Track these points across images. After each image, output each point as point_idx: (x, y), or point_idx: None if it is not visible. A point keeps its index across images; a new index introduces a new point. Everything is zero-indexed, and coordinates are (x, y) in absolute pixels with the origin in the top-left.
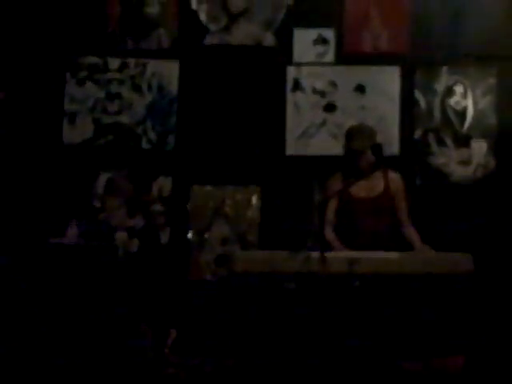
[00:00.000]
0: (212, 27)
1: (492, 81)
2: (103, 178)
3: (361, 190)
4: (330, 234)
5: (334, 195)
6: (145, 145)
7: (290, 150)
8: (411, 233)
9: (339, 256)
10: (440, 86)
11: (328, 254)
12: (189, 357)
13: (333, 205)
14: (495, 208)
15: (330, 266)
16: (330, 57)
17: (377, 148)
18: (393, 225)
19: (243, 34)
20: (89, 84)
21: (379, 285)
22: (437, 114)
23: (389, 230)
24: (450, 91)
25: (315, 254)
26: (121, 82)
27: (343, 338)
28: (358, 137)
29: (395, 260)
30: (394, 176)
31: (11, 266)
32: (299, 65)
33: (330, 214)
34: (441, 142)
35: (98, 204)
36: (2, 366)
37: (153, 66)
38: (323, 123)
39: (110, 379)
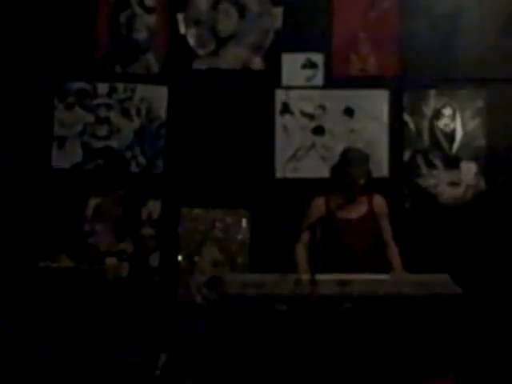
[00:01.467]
0: (200, 52)
1: (480, 103)
2: (92, 203)
3: (346, 211)
4: (301, 252)
5: (317, 220)
6: (134, 169)
7: (279, 173)
8: (393, 254)
9: (329, 278)
10: (429, 109)
11: (319, 276)
12: (179, 380)
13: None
14: (485, 229)
15: (321, 288)
16: (318, 80)
17: (369, 173)
18: (376, 246)
19: (232, 58)
20: (77, 109)
21: (370, 306)
22: (426, 136)
23: (373, 250)
24: (438, 114)
25: (306, 277)
26: (109, 107)
27: (335, 359)
28: (358, 164)
29: (386, 282)
30: (378, 197)
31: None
32: (288, 88)
33: (306, 233)
34: (430, 164)
35: (87, 228)
36: None
37: (141, 90)
38: (312, 146)
39: None
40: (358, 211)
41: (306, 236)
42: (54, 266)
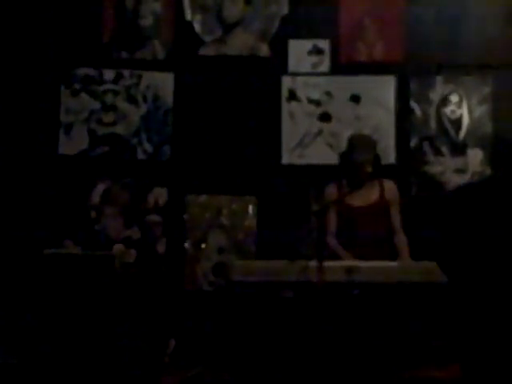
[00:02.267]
0: (207, 38)
1: (487, 90)
2: (100, 189)
3: (356, 198)
4: (333, 242)
5: (332, 204)
6: (140, 155)
7: (286, 160)
8: (401, 242)
9: (337, 265)
10: (435, 96)
11: (326, 263)
12: (188, 367)
13: (333, 215)
14: (492, 216)
15: (328, 275)
16: (325, 67)
17: (377, 159)
18: (386, 233)
19: (238, 44)
20: (84, 95)
21: (378, 293)
22: (432, 123)
23: (385, 237)
24: (445, 100)
25: (313, 263)
26: (116, 94)
27: (342, 346)
28: (363, 149)
29: (394, 269)
30: (389, 184)
31: (8, 276)
32: (294, 75)
33: (332, 223)
34: (437, 151)
35: (94, 214)
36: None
37: (148, 77)
38: (319, 133)
39: None
40: (368, 198)
41: (330, 225)
42: (60, 252)
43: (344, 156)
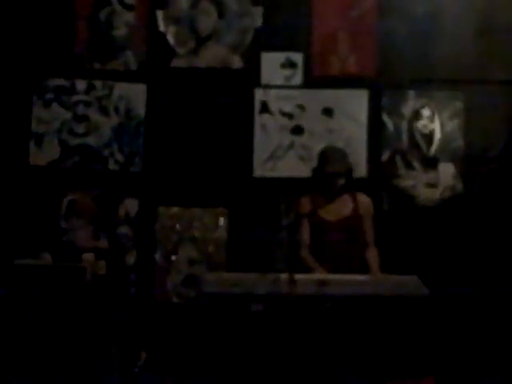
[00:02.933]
0: (180, 50)
1: (459, 104)
2: (71, 199)
3: (330, 212)
4: (307, 255)
5: (305, 217)
6: (112, 166)
7: (258, 172)
8: (372, 256)
9: (308, 278)
10: (407, 110)
11: (297, 276)
12: (159, 379)
13: (306, 228)
14: (462, 230)
15: (299, 288)
16: (297, 80)
17: (349, 171)
18: (361, 246)
19: (211, 56)
20: (55, 106)
21: (349, 307)
22: (404, 136)
23: (358, 252)
24: (417, 114)
25: (284, 276)
26: (88, 104)
27: (312, 360)
28: (336, 160)
29: (365, 282)
30: (364, 198)
31: None
32: (267, 87)
33: (305, 235)
34: (408, 165)
35: (64, 225)
36: None
37: (120, 88)
38: (291, 145)
39: None
40: (341, 212)
41: (304, 237)
42: (31, 263)
43: (316, 169)
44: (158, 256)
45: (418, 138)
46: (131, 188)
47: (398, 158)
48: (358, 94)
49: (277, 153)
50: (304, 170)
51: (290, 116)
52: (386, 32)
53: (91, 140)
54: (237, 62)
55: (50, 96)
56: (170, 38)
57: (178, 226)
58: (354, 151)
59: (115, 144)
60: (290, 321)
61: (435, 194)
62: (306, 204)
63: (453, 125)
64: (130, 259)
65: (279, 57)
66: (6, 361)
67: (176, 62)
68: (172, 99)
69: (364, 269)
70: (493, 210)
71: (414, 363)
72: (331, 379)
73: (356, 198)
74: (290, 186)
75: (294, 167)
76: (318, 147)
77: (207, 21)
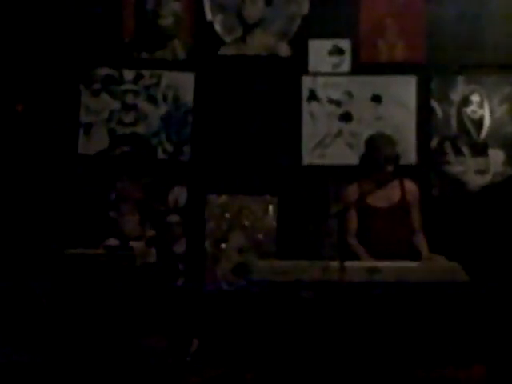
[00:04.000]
0: (227, 38)
1: (509, 89)
2: (120, 188)
3: (378, 199)
4: (354, 242)
5: (353, 205)
6: (160, 155)
7: (306, 160)
8: (420, 241)
9: (358, 265)
10: (456, 96)
11: (347, 264)
12: (211, 367)
13: (353, 215)
14: None
15: (350, 275)
16: (345, 67)
17: (397, 158)
18: (407, 233)
19: (258, 44)
20: (104, 95)
21: (398, 294)
22: (453, 123)
23: (406, 238)
24: (466, 100)
25: (334, 263)
26: (136, 94)
27: (362, 346)
28: (384, 145)
29: (415, 269)
30: (411, 185)
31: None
32: (315, 75)
33: (353, 223)
34: (458, 151)
35: (113, 214)
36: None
37: (168, 77)
38: (339, 133)
39: None
40: (389, 199)
41: (351, 225)
42: (81, 252)
43: (365, 155)
44: (207, 244)
45: (468, 124)
46: (180, 176)
47: (447, 145)
48: (407, 80)
49: (325, 140)
50: (352, 158)
51: (337, 103)
52: (434, 17)
53: (140, 129)
54: (284, 50)
55: (98, 85)
56: (218, 27)
57: (227, 214)
58: (403, 138)
59: (164, 133)
60: (340, 308)
61: (485, 181)
62: (353, 191)
63: (503, 110)
64: (180, 247)
65: (327, 44)
66: (56, 351)
67: (223, 51)
68: (220, 87)
69: (411, 255)
70: None
71: (465, 351)
72: (380, 366)
73: (403, 185)
74: (339, 174)
75: (343, 154)
76: (367, 134)
77: (254, 8)
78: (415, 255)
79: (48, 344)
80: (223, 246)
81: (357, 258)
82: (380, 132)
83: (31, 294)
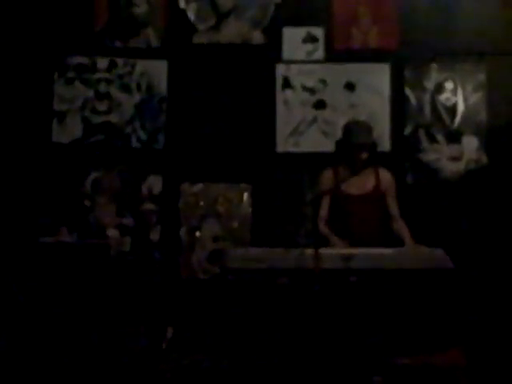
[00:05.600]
0: (200, 26)
1: (482, 77)
2: (95, 177)
3: (352, 186)
4: (324, 228)
5: (327, 191)
6: (134, 144)
7: (281, 147)
8: (402, 228)
9: (333, 252)
10: (430, 83)
11: (322, 251)
12: (186, 354)
13: (326, 201)
14: (486, 203)
15: (324, 262)
16: (319, 54)
17: (373, 146)
18: (384, 221)
19: (232, 32)
20: (77, 83)
21: (374, 281)
22: (427, 110)
23: (380, 226)
24: (440, 87)
25: (309, 251)
26: (109, 82)
27: (337, 333)
28: (360, 132)
29: (390, 256)
30: (385, 173)
31: (2, 264)
32: (289, 62)
33: (324, 209)
34: (431, 138)
35: (87, 202)
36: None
37: (141, 65)
38: (313, 120)
39: (107, 376)
40: (364, 186)
41: (323, 211)
42: (55, 241)
43: (340, 142)
44: (182, 232)
45: (441, 111)
46: (154, 165)
47: (421, 132)
48: (380, 67)
49: (299, 128)
50: (327, 145)
51: (312, 91)
52: (407, 4)
53: (113, 117)
54: (258, 38)
55: (71, 74)
56: (191, 15)
57: (201, 203)
58: (377, 125)
59: (137, 121)
60: (316, 295)
61: (459, 168)
62: (328, 178)
63: (476, 97)
64: (155, 236)
65: (300, 32)
66: (30, 339)
67: (197, 39)
68: (194, 75)
69: (390, 243)
70: None
71: (441, 336)
72: (356, 353)
73: (378, 173)
74: (313, 161)
75: (317, 142)
76: (341, 122)
77: None
78: (396, 243)
79: (23, 334)
80: (198, 234)
81: (327, 244)
82: (356, 119)
83: (6, 286)
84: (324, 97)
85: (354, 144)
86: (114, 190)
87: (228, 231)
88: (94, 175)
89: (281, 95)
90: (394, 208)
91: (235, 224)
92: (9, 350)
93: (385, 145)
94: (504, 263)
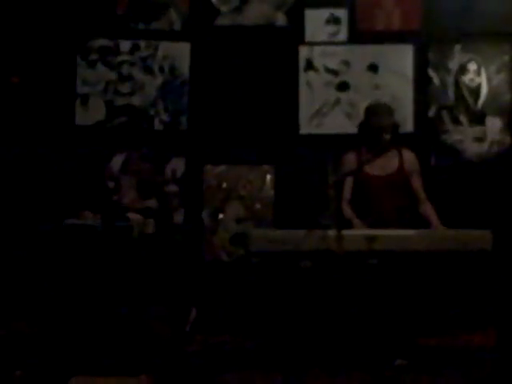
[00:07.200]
0: (223, 8)
1: (506, 58)
2: (118, 159)
3: (375, 168)
4: (347, 210)
5: (350, 173)
6: (157, 126)
7: (304, 129)
8: (428, 210)
9: (356, 234)
10: (454, 64)
11: (345, 232)
12: (210, 335)
13: (349, 182)
14: (510, 184)
15: (347, 244)
16: (342, 36)
17: (395, 128)
18: (408, 202)
19: (255, 14)
20: (100, 66)
21: (397, 262)
22: (451, 91)
23: (404, 207)
24: (463, 69)
25: (332, 232)
26: (132, 64)
27: (360, 315)
28: (382, 114)
29: (413, 237)
30: (409, 154)
31: (27, 247)
32: (312, 44)
33: (347, 191)
34: (455, 120)
35: (111, 185)
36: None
37: (164, 47)
38: (336, 102)
39: (131, 359)
40: (387, 168)
41: (346, 193)
42: (79, 223)
43: (363, 123)
44: (205, 215)
45: (465, 92)
46: (177, 147)
47: (444, 113)
48: (404, 49)
49: (323, 110)
50: (350, 127)
51: (335, 73)
52: None
53: (136, 100)
54: (281, 20)
55: (94, 56)
56: None
57: (224, 184)
58: (401, 107)
59: (160, 103)
60: (339, 277)
61: (483, 149)
62: (351, 160)
63: (500, 78)
64: (178, 218)
65: (323, 13)
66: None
67: (220, 21)
68: (216, 58)
69: (411, 224)
70: None
71: (469, 316)
72: (378, 334)
73: (402, 154)
74: (337, 143)
75: (340, 124)
76: (364, 103)
77: None
78: (423, 225)
79: (47, 316)
80: (221, 216)
81: (350, 225)
82: (378, 101)
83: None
84: (347, 78)
85: (376, 126)
86: (137, 173)
87: (251, 213)
88: (117, 158)
89: (304, 77)
90: (419, 190)
91: (258, 206)
92: (30, 330)
93: (408, 126)
94: None
